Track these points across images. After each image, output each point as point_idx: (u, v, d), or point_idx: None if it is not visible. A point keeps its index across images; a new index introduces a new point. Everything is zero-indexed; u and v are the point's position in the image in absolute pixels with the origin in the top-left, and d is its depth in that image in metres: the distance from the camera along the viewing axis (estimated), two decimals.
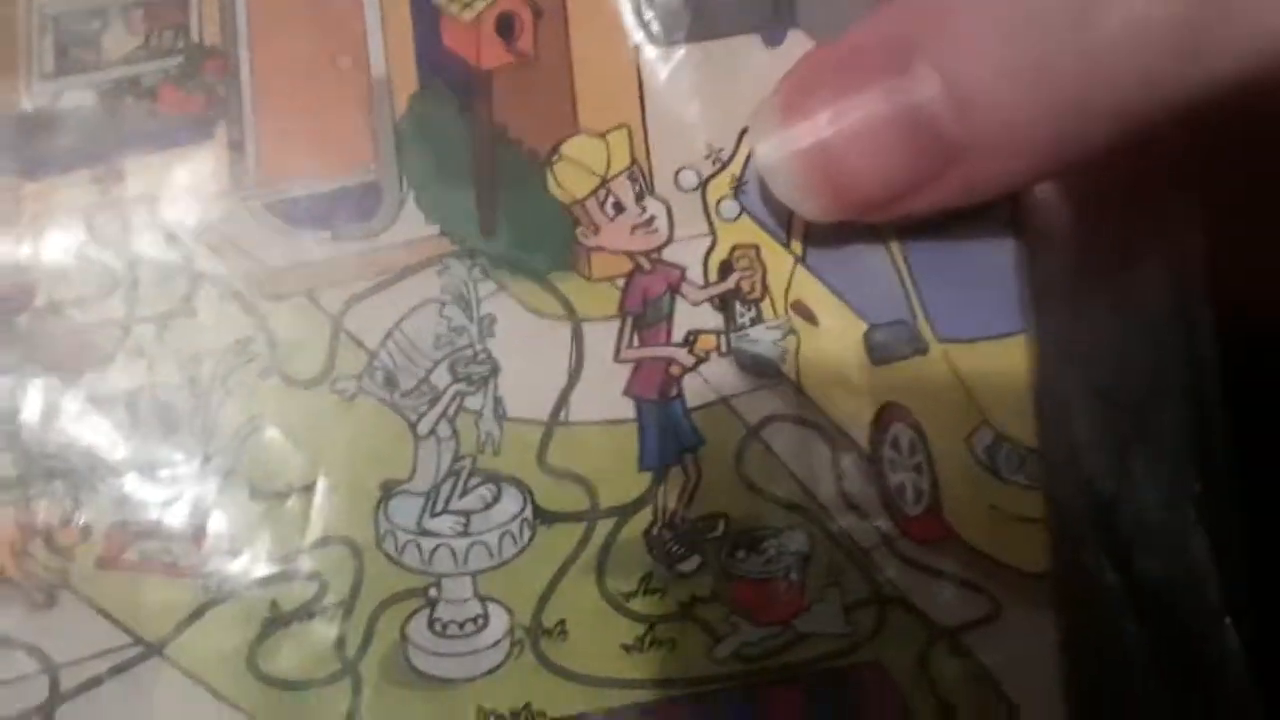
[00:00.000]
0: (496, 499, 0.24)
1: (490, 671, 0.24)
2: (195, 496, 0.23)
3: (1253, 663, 0.24)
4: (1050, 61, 0.21)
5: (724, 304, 0.25)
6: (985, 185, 0.22)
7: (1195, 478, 0.24)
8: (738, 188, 0.25)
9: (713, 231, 0.25)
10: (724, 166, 0.25)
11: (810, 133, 0.22)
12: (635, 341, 0.25)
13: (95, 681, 0.23)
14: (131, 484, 0.23)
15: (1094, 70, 0.21)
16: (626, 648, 0.24)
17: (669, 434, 0.24)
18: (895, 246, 0.25)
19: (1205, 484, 0.24)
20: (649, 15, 0.25)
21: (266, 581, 0.24)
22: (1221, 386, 0.24)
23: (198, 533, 0.23)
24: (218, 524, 0.23)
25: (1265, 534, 0.24)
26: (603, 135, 0.25)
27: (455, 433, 0.24)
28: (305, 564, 0.24)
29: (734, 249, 0.25)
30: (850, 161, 0.22)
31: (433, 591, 0.24)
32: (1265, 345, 0.26)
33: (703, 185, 0.25)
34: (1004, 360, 0.25)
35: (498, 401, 0.24)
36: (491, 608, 0.24)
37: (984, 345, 0.25)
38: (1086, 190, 0.25)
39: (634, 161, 0.25)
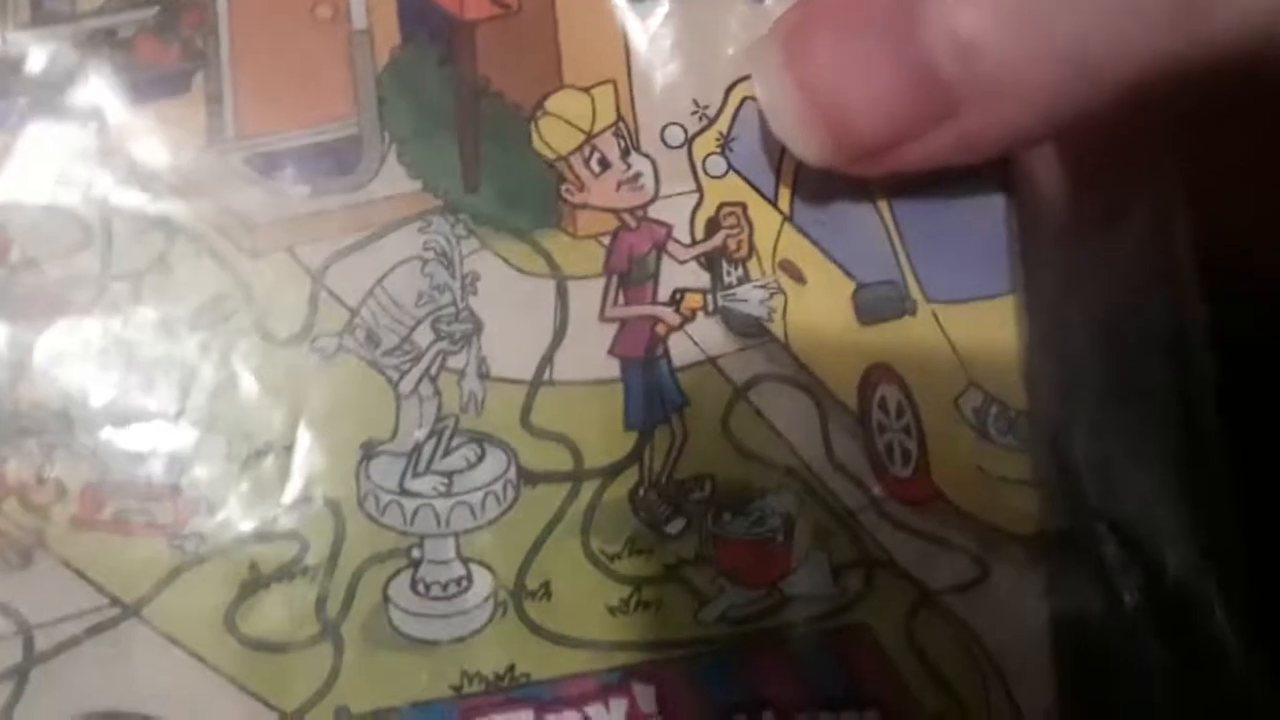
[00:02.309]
0: (480, 459, 0.24)
1: (474, 633, 0.24)
2: (171, 454, 0.23)
3: (1243, 628, 0.24)
4: (1051, 16, 0.21)
5: (710, 263, 0.25)
6: (982, 139, 0.22)
7: (1182, 434, 0.24)
8: (725, 144, 0.25)
9: (699, 189, 0.25)
10: (711, 123, 0.25)
11: (812, 70, 0.22)
12: (621, 300, 0.24)
13: (72, 643, 0.23)
14: (106, 441, 0.23)
15: (1093, 28, 0.21)
16: (612, 609, 0.24)
17: (655, 394, 0.24)
18: (884, 206, 0.25)
19: (1191, 440, 0.24)
20: None
21: (245, 541, 0.23)
22: (1208, 349, 0.24)
23: (174, 491, 0.23)
24: (194, 482, 0.23)
25: (1253, 488, 0.24)
26: (588, 90, 0.25)
27: (438, 392, 0.24)
28: (285, 523, 0.23)
29: (721, 206, 0.25)
30: (850, 102, 0.22)
31: (415, 552, 0.24)
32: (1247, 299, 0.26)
33: (689, 142, 0.25)
34: (993, 322, 0.25)
35: (481, 361, 0.24)
36: (475, 569, 0.24)
37: (973, 306, 0.25)
38: (1076, 153, 0.25)
39: (619, 117, 0.25)
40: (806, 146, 0.23)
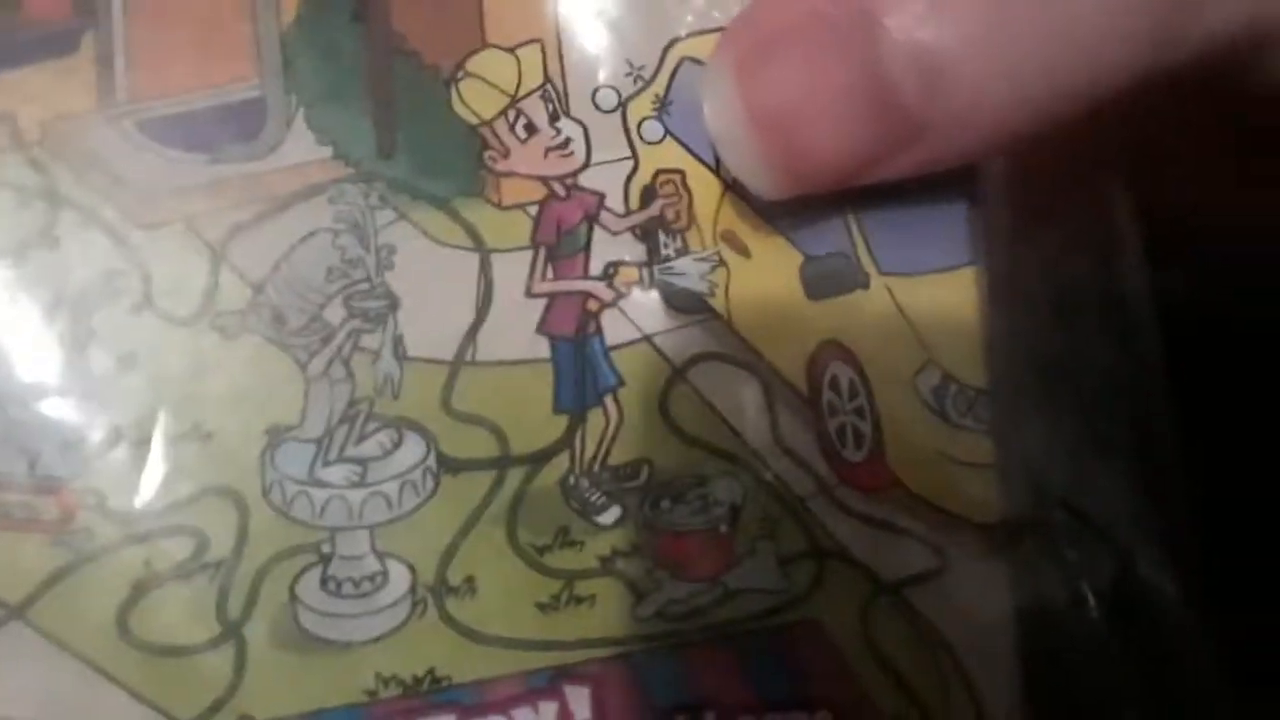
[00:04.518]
0: (396, 446, 0.23)
1: (389, 634, 0.23)
2: (57, 445, 0.22)
3: (1208, 631, 0.24)
4: (1020, 39, 0.21)
5: (646, 234, 0.24)
6: (948, 159, 0.22)
7: (1136, 415, 0.24)
8: (661, 108, 0.24)
9: (634, 155, 0.24)
10: (646, 85, 0.24)
11: (769, 97, 0.22)
12: (549, 274, 0.24)
13: None
14: None
15: (1064, 50, 0.21)
16: (541, 606, 0.23)
17: (587, 374, 0.23)
18: None
19: (1144, 422, 0.24)
20: None
21: (138, 537, 0.22)
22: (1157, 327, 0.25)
23: (60, 484, 0.22)
24: (82, 474, 0.22)
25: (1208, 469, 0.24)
26: (513, 50, 0.24)
27: (350, 374, 0.23)
28: (182, 517, 0.22)
29: (657, 174, 0.24)
30: (812, 131, 0.22)
31: (325, 547, 0.23)
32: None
33: (623, 105, 0.24)
34: (952, 295, 0.24)
35: (398, 340, 0.23)
36: (391, 564, 0.23)
37: (930, 279, 0.24)
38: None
39: (547, 79, 0.24)
40: (760, 178, 0.23)
